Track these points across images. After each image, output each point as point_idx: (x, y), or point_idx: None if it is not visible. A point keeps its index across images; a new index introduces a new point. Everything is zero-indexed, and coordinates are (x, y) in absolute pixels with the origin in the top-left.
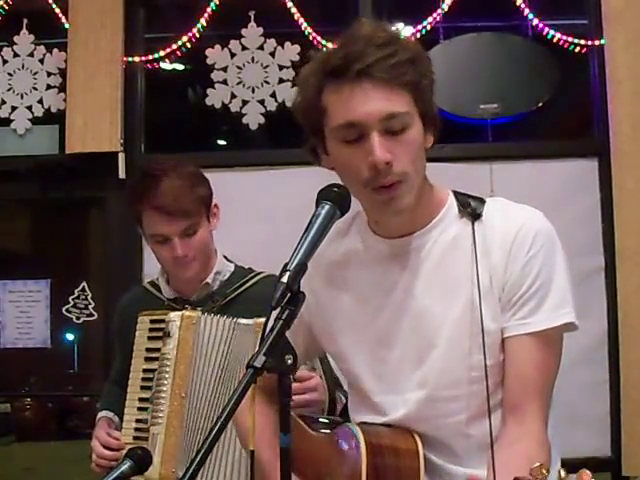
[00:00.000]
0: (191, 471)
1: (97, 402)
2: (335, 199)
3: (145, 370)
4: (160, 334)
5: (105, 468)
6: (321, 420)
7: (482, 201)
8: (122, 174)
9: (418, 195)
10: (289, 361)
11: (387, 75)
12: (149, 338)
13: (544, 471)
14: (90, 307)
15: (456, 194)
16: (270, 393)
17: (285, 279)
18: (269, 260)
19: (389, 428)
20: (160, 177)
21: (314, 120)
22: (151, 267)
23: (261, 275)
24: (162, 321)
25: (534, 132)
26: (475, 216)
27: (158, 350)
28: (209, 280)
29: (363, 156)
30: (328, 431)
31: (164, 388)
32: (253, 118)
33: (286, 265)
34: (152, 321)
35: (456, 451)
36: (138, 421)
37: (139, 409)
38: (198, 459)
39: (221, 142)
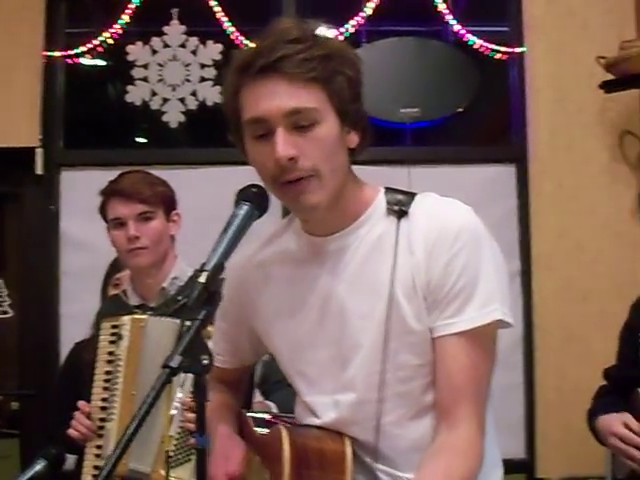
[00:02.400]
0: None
1: (11, 401)
2: (253, 199)
3: (106, 372)
4: (116, 338)
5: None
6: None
7: (412, 197)
8: (40, 170)
9: (337, 193)
10: (205, 361)
11: (295, 70)
12: (110, 342)
13: None
14: (5, 304)
15: (387, 191)
16: (228, 383)
17: (203, 279)
18: (189, 259)
19: (319, 430)
20: (126, 173)
21: (233, 118)
22: (67, 264)
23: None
24: (117, 326)
25: (453, 137)
26: (401, 214)
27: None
28: (166, 285)
29: (270, 152)
30: (266, 431)
31: (117, 387)
32: (173, 116)
33: (203, 265)
34: (112, 326)
35: (387, 454)
36: (101, 420)
37: (102, 408)
38: (115, 457)
39: (141, 140)
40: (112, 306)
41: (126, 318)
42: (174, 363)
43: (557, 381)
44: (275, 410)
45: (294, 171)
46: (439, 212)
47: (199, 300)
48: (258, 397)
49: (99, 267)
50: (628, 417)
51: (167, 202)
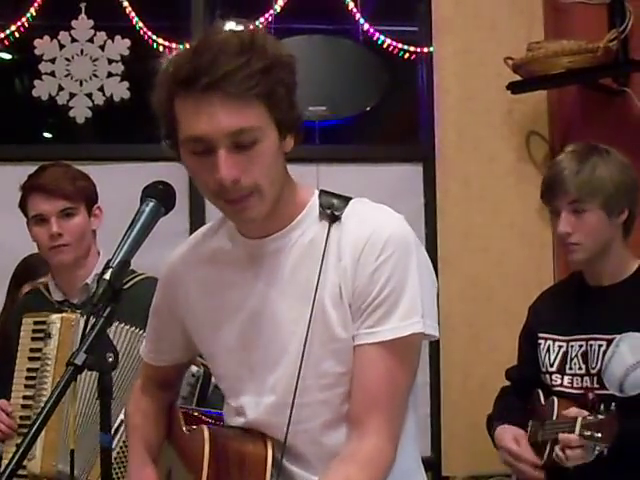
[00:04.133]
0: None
1: None
2: (160, 196)
3: (29, 369)
4: (42, 335)
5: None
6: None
7: (346, 202)
8: None
9: (275, 201)
10: (110, 359)
11: (237, 89)
12: (32, 339)
13: None
14: None
15: (322, 194)
16: (160, 382)
17: (107, 276)
18: None
19: (243, 432)
20: (47, 167)
21: (167, 126)
22: None
23: (140, 277)
24: (44, 323)
25: (361, 136)
26: (333, 218)
27: (40, 350)
28: (89, 281)
29: (210, 170)
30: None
31: (45, 386)
32: (80, 112)
33: (109, 262)
34: (35, 322)
35: (309, 459)
36: (22, 418)
37: (23, 406)
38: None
39: (47, 135)
40: (33, 301)
41: (55, 316)
42: (78, 361)
43: (463, 380)
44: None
45: (236, 191)
46: (370, 219)
47: (104, 297)
48: None
49: (6, 265)
50: (520, 435)
51: (89, 197)
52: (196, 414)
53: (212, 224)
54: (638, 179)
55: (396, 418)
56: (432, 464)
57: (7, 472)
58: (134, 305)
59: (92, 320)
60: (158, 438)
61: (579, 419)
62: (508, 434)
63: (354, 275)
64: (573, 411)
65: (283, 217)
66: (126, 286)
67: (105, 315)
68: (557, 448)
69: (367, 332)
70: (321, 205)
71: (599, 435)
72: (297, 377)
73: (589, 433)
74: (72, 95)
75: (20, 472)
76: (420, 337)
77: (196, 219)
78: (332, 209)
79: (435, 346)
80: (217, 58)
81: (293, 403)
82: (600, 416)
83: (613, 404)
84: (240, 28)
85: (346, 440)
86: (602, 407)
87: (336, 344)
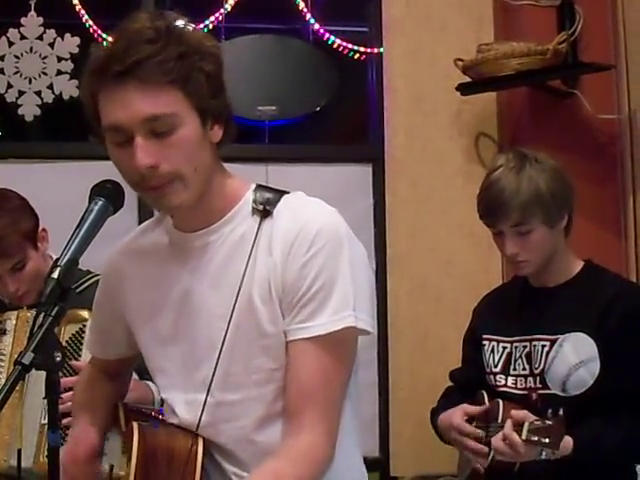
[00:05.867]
0: None
1: None
2: (108, 195)
3: None
4: None
5: None
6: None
7: (280, 196)
8: None
9: (201, 191)
10: (57, 358)
11: (151, 75)
12: None
13: None
14: None
15: (257, 188)
16: (109, 374)
17: (56, 275)
18: None
19: (175, 429)
20: None
21: (92, 119)
22: None
23: (97, 277)
24: None
25: (311, 136)
26: (265, 213)
27: None
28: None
29: (130, 159)
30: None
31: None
32: (29, 109)
33: (57, 260)
34: None
35: (242, 458)
36: None
37: None
38: None
39: None
40: None
41: (10, 313)
42: (26, 360)
43: (411, 380)
44: (155, 390)
45: (155, 178)
46: (301, 213)
47: (52, 296)
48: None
49: None
50: (466, 406)
51: (32, 235)
52: (144, 411)
53: (153, 219)
54: (570, 180)
55: (332, 413)
56: (380, 464)
57: None
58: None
59: (40, 319)
60: (100, 423)
61: (526, 423)
62: (455, 412)
63: (284, 270)
64: (520, 414)
65: (215, 211)
66: (83, 286)
67: (53, 314)
68: (496, 438)
69: (299, 327)
70: (254, 200)
71: (546, 440)
72: (212, 374)
73: (536, 438)
74: (21, 93)
75: None
76: (353, 331)
77: (145, 218)
78: (265, 204)
79: (383, 346)
80: (130, 46)
81: (206, 400)
82: (548, 421)
83: (561, 410)
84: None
85: (282, 436)
86: (550, 412)
87: (265, 340)
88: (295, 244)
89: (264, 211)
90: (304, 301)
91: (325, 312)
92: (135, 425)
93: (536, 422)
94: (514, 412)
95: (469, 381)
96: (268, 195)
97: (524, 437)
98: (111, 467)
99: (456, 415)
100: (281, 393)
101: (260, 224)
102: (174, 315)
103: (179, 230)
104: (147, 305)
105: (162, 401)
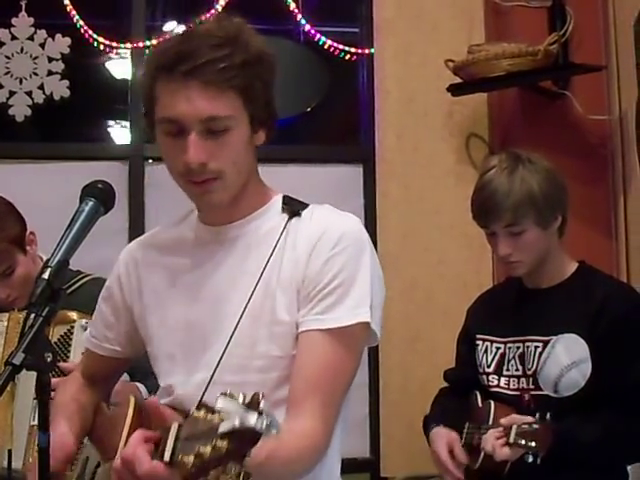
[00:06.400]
0: None
1: None
2: (99, 195)
3: None
4: None
5: None
6: None
7: (307, 205)
8: None
9: (238, 191)
10: (48, 359)
11: (214, 77)
12: None
13: None
14: None
15: (286, 196)
16: (95, 378)
17: (46, 275)
18: None
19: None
20: None
21: (147, 105)
22: None
23: (87, 278)
24: None
25: (302, 136)
26: (294, 213)
27: None
28: None
29: (180, 151)
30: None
31: None
32: (20, 110)
33: (47, 261)
34: None
35: None
36: None
37: None
38: None
39: None
40: None
41: (2, 314)
42: (16, 360)
43: (401, 381)
44: (144, 392)
45: (201, 174)
46: (328, 217)
47: (42, 296)
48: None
49: None
50: (454, 440)
51: (19, 240)
52: None
53: (179, 215)
54: (564, 182)
55: (333, 404)
56: (371, 465)
57: None
58: (85, 305)
59: (31, 319)
60: (77, 431)
61: (514, 427)
62: (442, 439)
63: (307, 263)
64: (508, 419)
65: (245, 207)
66: (74, 287)
67: (44, 315)
68: (486, 441)
69: (314, 319)
70: (284, 202)
71: (532, 444)
72: (222, 354)
73: (523, 442)
74: (12, 93)
75: None
76: (366, 329)
77: (135, 218)
78: (294, 206)
79: (374, 347)
80: (200, 47)
81: (211, 378)
82: (535, 425)
83: (549, 414)
84: (180, 29)
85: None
86: (537, 416)
87: (277, 327)
88: (320, 242)
89: (293, 211)
90: (322, 295)
91: (342, 307)
92: (132, 396)
93: (524, 426)
94: (503, 420)
95: (463, 381)
96: (295, 202)
97: (512, 440)
98: (86, 459)
99: (441, 444)
100: (283, 382)
101: (288, 221)
102: (191, 302)
103: (206, 224)
104: (163, 290)
105: None
